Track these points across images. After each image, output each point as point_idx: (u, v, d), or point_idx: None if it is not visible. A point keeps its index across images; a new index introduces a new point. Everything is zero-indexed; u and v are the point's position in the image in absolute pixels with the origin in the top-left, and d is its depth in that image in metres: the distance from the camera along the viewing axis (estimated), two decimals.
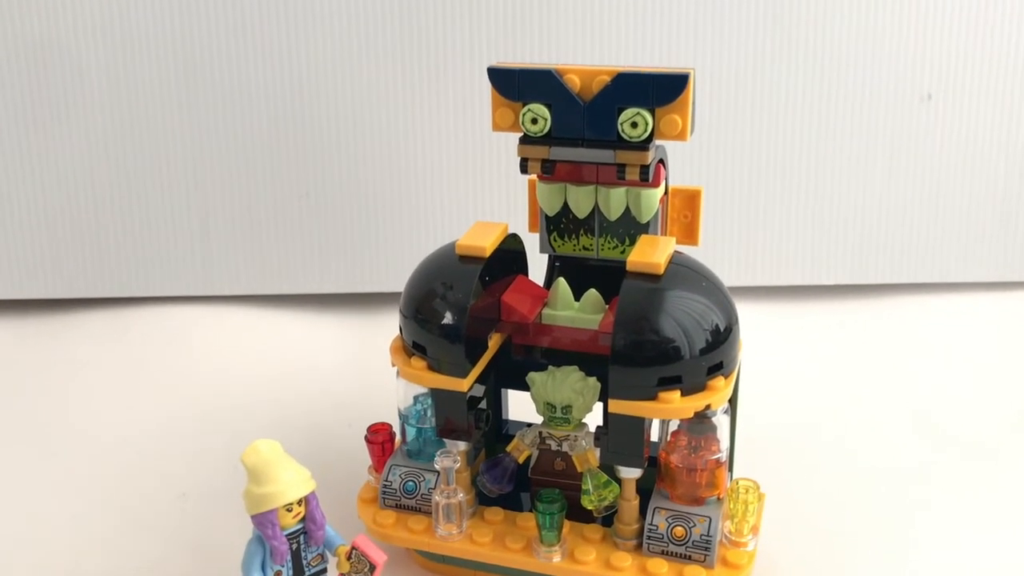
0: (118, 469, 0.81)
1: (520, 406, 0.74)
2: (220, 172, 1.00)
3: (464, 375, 0.63)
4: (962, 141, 0.99)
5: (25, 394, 0.92)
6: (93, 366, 0.96)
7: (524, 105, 0.64)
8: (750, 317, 0.84)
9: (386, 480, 0.68)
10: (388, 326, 0.72)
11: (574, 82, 0.63)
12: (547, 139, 0.64)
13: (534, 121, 0.64)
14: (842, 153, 0.99)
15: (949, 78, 0.97)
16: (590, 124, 0.63)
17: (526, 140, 0.65)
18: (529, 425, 0.68)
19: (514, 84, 0.64)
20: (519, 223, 0.72)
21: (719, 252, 1.01)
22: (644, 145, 0.62)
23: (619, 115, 0.62)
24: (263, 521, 0.59)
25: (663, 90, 0.61)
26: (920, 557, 0.70)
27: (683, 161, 0.97)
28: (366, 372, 0.93)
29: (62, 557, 0.71)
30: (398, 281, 0.67)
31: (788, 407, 0.88)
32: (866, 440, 0.83)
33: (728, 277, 0.65)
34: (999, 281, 1.04)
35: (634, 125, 0.62)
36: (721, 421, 0.63)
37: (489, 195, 1.00)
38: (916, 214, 1.01)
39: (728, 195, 1.01)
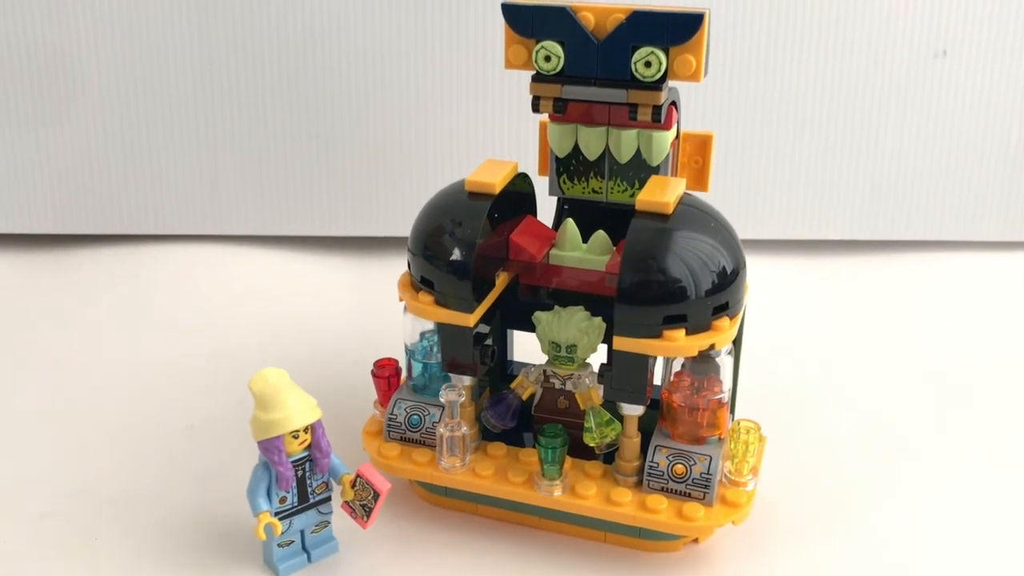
0: (127, 400, 0.82)
1: (525, 349, 0.74)
2: (231, 113, 1.00)
3: (471, 311, 0.63)
4: (975, 99, 0.99)
5: (37, 327, 0.93)
6: (104, 301, 0.97)
7: (537, 42, 0.63)
8: (757, 269, 0.85)
9: (391, 413, 0.69)
10: (396, 269, 0.73)
11: (588, 20, 0.63)
12: (560, 77, 0.64)
13: (547, 59, 0.64)
14: (854, 108, 0.99)
15: (964, 35, 0.96)
16: (603, 63, 0.63)
17: (539, 78, 0.64)
18: (534, 366, 0.68)
19: (528, 21, 0.63)
20: (529, 168, 0.72)
21: (728, 201, 1.01)
22: (657, 85, 0.62)
23: (633, 54, 0.62)
24: (269, 447, 0.60)
25: (678, 29, 0.61)
26: (918, 506, 0.70)
27: (695, 108, 0.97)
28: (373, 314, 0.94)
29: (72, 483, 0.72)
30: (406, 225, 0.68)
31: (794, 358, 0.88)
32: (869, 390, 0.84)
33: (736, 229, 0.65)
34: (1007, 240, 1.04)
35: (648, 64, 0.62)
36: (725, 362, 0.64)
37: (500, 140, 1.00)
38: (926, 171, 1.01)
39: (739, 145, 1.00)
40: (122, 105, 1.00)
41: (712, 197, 0.69)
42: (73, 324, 0.94)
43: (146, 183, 1.02)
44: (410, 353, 0.70)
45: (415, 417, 0.68)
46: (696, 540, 0.66)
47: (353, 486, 0.63)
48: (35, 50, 0.98)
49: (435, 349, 0.70)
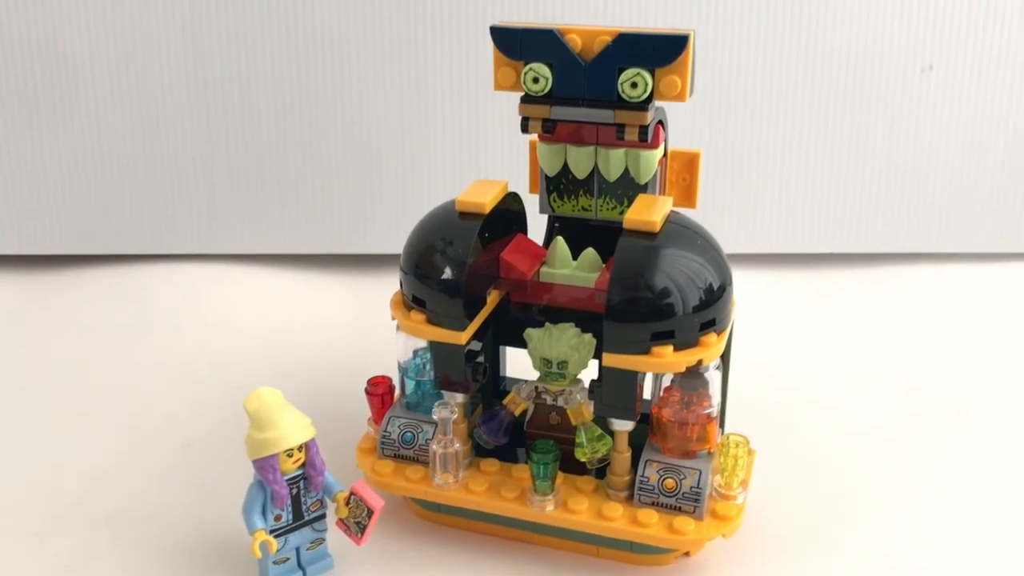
0: (124, 418, 0.83)
1: (517, 365, 0.75)
2: (226, 134, 1.01)
3: (462, 329, 0.64)
4: (961, 112, 1.00)
5: (34, 347, 0.94)
6: (101, 321, 0.98)
7: (526, 64, 0.64)
8: (746, 284, 0.86)
9: (385, 431, 0.69)
10: (389, 287, 0.74)
11: (575, 42, 0.64)
12: (548, 98, 0.65)
13: (535, 80, 0.65)
14: (842, 122, 1.00)
15: (950, 49, 0.98)
16: (591, 84, 0.64)
17: (527, 99, 0.65)
18: (526, 382, 0.69)
19: (516, 43, 0.64)
20: (520, 186, 0.73)
21: (716, 217, 1.02)
22: (643, 105, 0.63)
23: (619, 75, 0.63)
24: (264, 466, 0.61)
25: (663, 51, 0.62)
26: (908, 517, 0.71)
27: (682, 126, 0.98)
28: (367, 332, 0.95)
29: (69, 501, 0.73)
30: (399, 243, 0.69)
31: (783, 371, 0.89)
32: (858, 403, 0.85)
33: (724, 244, 0.66)
34: (996, 252, 1.05)
35: (634, 85, 0.63)
36: (713, 377, 0.65)
37: (490, 158, 1.01)
38: (914, 185, 1.02)
39: (726, 161, 1.01)
40: (117, 125, 1.01)
41: (700, 214, 0.70)
42: (70, 344, 0.94)
43: (142, 203, 1.03)
44: (403, 371, 0.71)
45: (408, 434, 0.69)
46: (687, 553, 0.67)
47: (347, 503, 0.63)
48: (28, 71, 0.99)
49: (428, 367, 0.70)
